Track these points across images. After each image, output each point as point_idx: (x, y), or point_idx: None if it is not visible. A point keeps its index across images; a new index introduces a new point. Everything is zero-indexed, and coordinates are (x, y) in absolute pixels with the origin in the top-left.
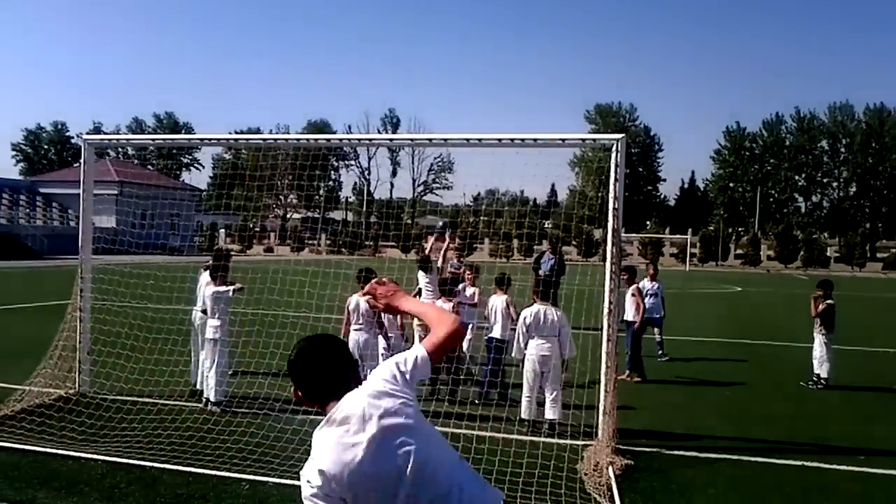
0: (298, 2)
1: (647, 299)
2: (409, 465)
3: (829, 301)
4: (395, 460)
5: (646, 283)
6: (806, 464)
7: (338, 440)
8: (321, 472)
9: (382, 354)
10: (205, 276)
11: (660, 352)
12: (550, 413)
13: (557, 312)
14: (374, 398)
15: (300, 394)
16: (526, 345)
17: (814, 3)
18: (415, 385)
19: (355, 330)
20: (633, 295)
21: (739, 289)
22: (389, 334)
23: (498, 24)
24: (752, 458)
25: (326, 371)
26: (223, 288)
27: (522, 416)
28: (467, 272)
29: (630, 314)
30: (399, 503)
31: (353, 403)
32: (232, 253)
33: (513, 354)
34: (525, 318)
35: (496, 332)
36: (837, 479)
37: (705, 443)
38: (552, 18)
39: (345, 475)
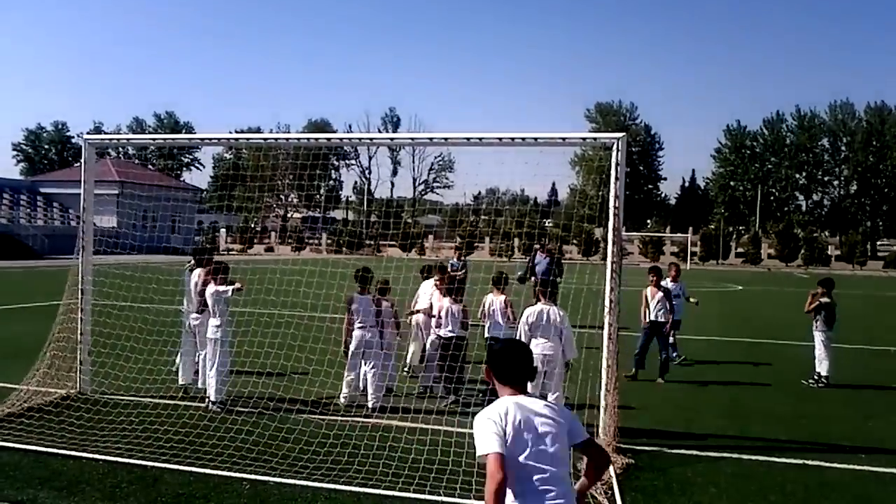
0: (299, 1)
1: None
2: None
3: (823, 298)
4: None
5: (668, 284)
6: (807, 462)
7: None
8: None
9: (385, 352)
10: (194, 276)
11: (674, 353)
12: None
13: (560, 312)
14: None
15: (492, 374)
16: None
17: (814, 2)
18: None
19: (359, 328)
20: (663, 297)
21: (740, 287)
22: (384, 330)
23: (499, 23)
24: (754, 457)
25: (516, 367)
26: (223, 287)
27: None
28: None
29: (662, 316)
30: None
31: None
32: (212, 249)
33: None
34: (527, 318)
35: (495, 332)
36: (838, 477)
37: (706, 441)
38: (553, 17)
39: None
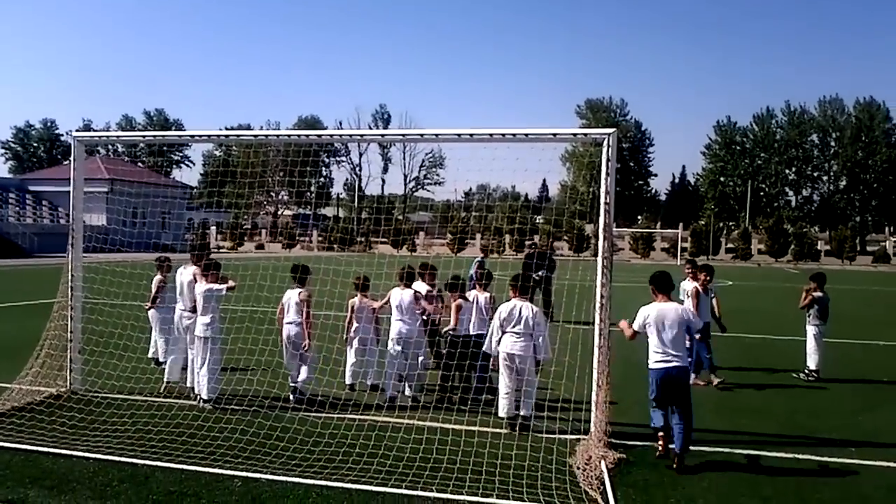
0: None
1: (688, 301)
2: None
3: (816, 293)
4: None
5: (687, 283)
6: (798, 456)
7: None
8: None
9: (365, 347)
10: (185, 274)
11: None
12: (523, 409)
13: (533, 309)
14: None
15: (654, 287)
16: (499, 340)
17: None
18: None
19: (287, 323)
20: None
21: (731, 283)
22: (367, 325)
23: (488, 20)
24: (744, 451)
25: (665, 283)
26: (216, 286)
27: (500, 413)
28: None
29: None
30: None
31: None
32: (207, 245)
33: (484, 348)
34: (500, 313)
35: (480, 329)
36: (829, 471)
37: (697, 436)
38: (543, 15)
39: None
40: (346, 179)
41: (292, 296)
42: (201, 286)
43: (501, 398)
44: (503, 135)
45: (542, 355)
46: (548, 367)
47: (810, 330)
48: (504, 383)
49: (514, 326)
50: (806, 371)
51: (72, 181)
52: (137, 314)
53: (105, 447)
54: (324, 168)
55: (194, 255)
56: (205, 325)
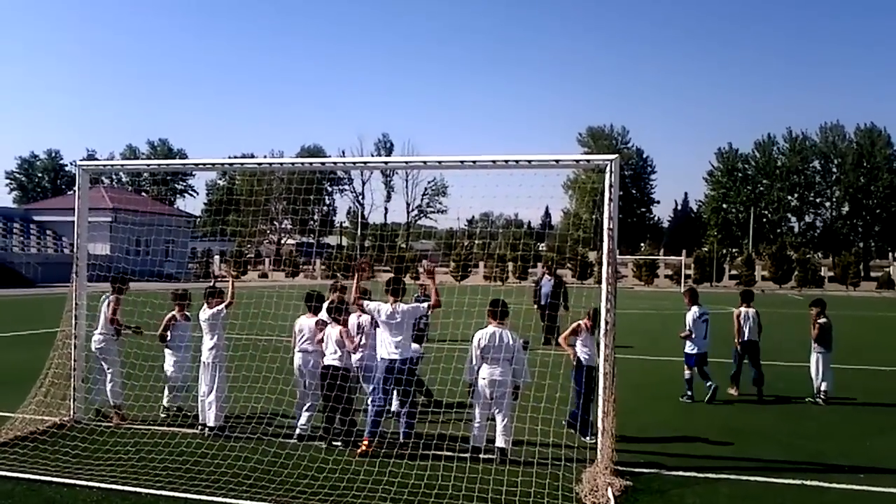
0: (291, 28)
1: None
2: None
3: (821, 320)
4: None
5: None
6: (805, 482)
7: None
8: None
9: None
10: (105, 303)
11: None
12: (500, 441)
13: (513, 335)
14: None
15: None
16: (479, 368)
17: (804, 25)
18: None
19: (300, 352)
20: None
21: (734, 309)
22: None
23: (490, 49)
24: (752, 478)
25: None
26: (217, 308)
27: (472, 443)
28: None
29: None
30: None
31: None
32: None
33: (465, 377)
34: (479, 340)
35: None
36: (838, 497)
37: (704, 463)
38: (545, 43)
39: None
40: (350, 208)
41: (306, 324)
42: (205, 313)
43: (475, 427)
44: (506, 161)
45: (523, 379)
46: (552, 394)
47: (815, 356)
48: (478, 412)
49: (494, 353)
50: (823, 396)
51: (76, 210)
52: (140, 342)
53: (109, 476)
54: (327, 197)
55: (113, 286)
56: (209, 350)
